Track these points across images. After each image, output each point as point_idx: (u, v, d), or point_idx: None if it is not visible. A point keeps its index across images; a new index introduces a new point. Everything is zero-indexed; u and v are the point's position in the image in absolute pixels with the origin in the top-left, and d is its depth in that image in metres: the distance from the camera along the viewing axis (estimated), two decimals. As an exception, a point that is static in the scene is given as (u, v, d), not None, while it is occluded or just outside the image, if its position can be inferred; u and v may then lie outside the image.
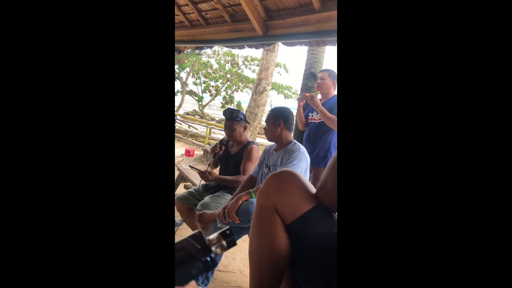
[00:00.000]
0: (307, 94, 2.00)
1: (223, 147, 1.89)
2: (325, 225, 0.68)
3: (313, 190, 0.73)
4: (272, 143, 1.62)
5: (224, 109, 1.83)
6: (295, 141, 1.56)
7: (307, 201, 0.70)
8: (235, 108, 1.86)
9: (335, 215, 0.72)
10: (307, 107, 2.17)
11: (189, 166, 2.23)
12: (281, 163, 1.45)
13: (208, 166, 1.87)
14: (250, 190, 1.31)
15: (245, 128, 1.82)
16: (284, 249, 0.70)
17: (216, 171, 1.96)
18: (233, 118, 1.76)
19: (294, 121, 1.65)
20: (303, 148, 1.49)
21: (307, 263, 0.69)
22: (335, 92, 2.07)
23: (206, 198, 1.71)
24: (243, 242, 1.90)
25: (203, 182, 1.90)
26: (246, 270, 1.77)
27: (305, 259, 0.69)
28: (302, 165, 1.41)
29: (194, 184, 2.35)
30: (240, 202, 1.26)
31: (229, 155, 1.87)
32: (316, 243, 0.67)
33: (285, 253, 0.70)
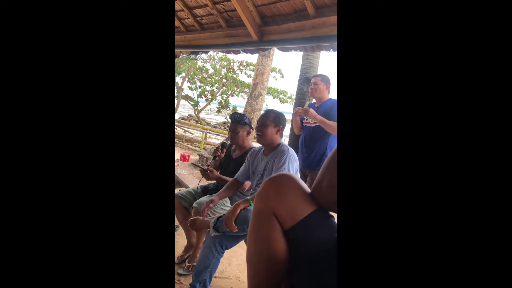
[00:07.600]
0: (300, 110, 1.99)
1: (225, 150, 1.90)
2: (324, 230, 0.68)
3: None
4: (259, 145, 1.61)
5: (230, 114, 1.85)
6: (283, 143, 1.56)
7: (306, 206, 0.69)
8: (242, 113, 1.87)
9: (334, 220, 0.71)
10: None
11: (192, 164, 2.22)
12: (273, 167, 1.46)
13: (208, 166, 1.87)
14: (248, 198, 1.28)
15: (248, 133, 1.84)
16: (282, 254, 0.69)
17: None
18: (237, 121, 1.79)
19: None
20: (291, 149, 1.51)
21: (306, 269, 0.68)
22: (329, 96, 2.10)
23: (203, 198, 1.70)
24: (239, 248, 1.89)
25: (202, 183, 1.89)
26: (242, 276, 1.76)
27: (304, 264, 0.68)
28: (294, 165, 1.43)
29: (189, 190, 2.33)
30: (238, 210, 1.25)
31: (231, 159, 1.89)
32: (315, 249, 0.66)
33: (283, 258, 0.69)
